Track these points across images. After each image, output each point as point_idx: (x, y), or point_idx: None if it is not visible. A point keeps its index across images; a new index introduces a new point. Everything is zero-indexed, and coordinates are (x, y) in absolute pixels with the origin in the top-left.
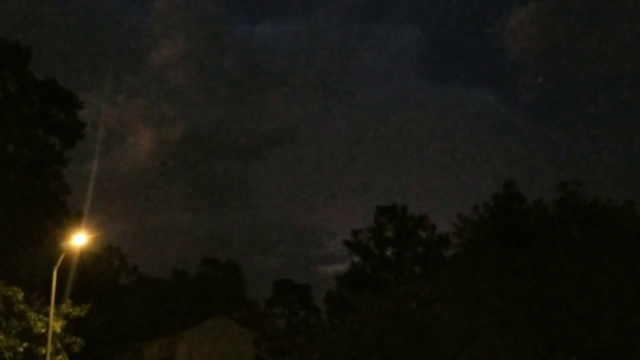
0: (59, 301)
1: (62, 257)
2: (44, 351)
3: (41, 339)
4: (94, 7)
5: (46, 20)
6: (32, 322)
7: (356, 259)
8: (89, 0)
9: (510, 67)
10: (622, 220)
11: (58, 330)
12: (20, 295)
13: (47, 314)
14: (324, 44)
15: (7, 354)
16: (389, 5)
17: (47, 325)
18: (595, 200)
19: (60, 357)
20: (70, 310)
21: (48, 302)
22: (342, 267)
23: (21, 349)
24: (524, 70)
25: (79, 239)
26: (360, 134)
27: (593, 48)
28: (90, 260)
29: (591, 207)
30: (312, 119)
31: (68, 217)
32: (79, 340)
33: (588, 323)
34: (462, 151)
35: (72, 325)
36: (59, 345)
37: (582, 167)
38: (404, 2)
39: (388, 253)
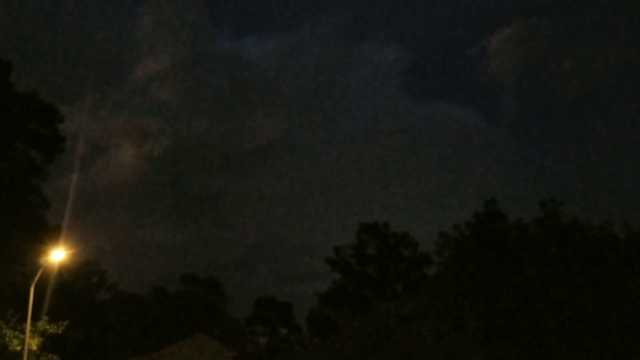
0: (35, 318)
1: (40, 272)
2: None
3: (17, 357)
4: (79, 20)
5: (30, 33)
6: (7, 340)
7: (338, 276)
8: (73, 12)
9: (493, 86)
10: (600, 240)
11: (34, 347)
12: None
13: (23, 331)
14: (309, 60)
15: None
16: (373, 24)
17: (23, 342)
18: (575, 219)
19: None
20: (47, 327)
21: (24, 319)
22: (324, 285)
23: None
24: (506, 90)
25: (58, 255)
26: (344, 151)
27: (574, 68)
28: (69, 276)
29: (570, 227)
30: (296, 135)
31: (46, 232)
32: (55, 358)
33: (568, 340)
34: (444, 170)
35: (49, 343)
36: None
37: (562, 186)
38: (389, 21)
39: (370, 270)
